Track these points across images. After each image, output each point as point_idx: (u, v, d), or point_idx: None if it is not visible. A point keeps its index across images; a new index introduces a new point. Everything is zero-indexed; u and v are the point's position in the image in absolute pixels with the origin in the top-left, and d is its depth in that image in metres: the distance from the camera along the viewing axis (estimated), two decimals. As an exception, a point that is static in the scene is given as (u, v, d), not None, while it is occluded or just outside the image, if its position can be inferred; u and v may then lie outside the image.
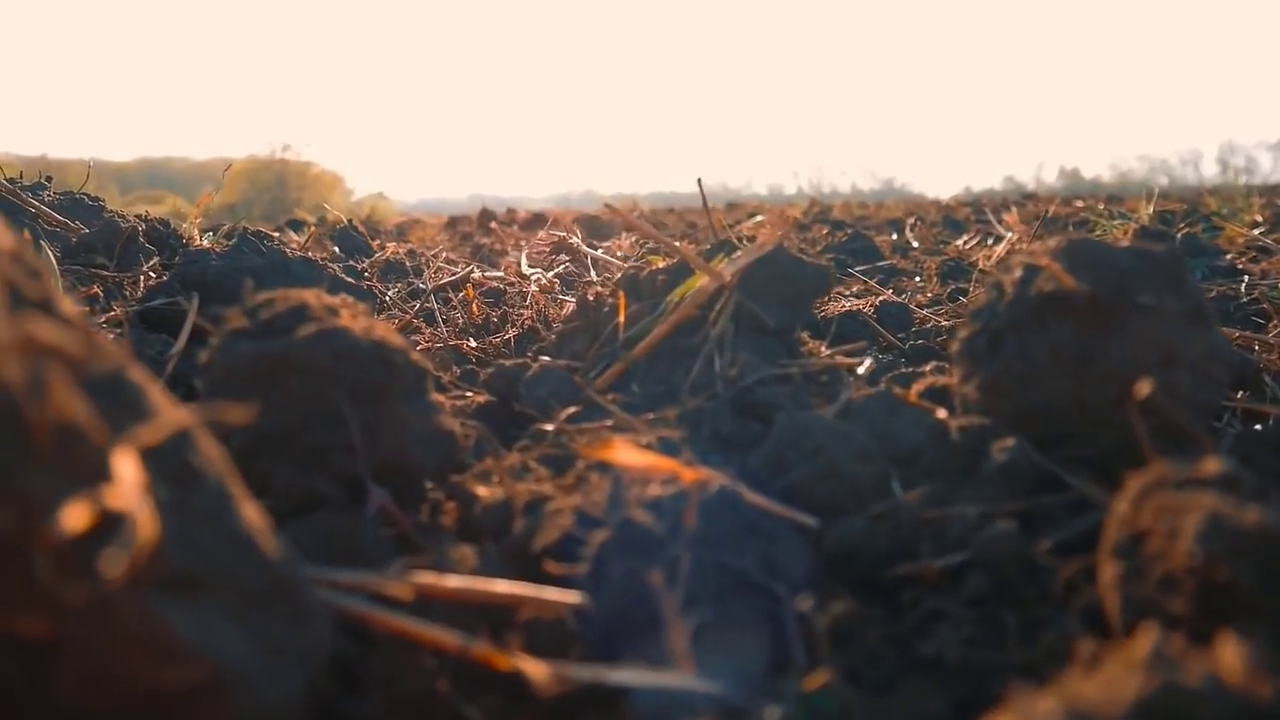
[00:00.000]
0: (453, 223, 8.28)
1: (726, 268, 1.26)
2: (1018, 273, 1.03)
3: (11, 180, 2.44)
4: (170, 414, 0.59)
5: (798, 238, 4.88)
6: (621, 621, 0.77)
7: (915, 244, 4.15)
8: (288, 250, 1.93)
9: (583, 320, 1.45)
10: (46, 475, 0.53)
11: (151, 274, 1.91)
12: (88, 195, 2.47)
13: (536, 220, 7.91)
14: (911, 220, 5.27)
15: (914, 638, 0.83)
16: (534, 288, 1.99)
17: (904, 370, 1.33)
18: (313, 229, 3.15)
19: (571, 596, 0.77)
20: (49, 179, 2.58)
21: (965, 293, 2.67)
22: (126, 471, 0.53)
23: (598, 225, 7.04)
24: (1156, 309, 0.96)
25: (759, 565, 0.85)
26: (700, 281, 1.29)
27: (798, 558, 0.88)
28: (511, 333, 1.89)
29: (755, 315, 1.27)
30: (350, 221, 3.04)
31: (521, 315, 2.05)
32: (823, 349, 1.36)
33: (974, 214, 7.97)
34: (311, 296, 0.99)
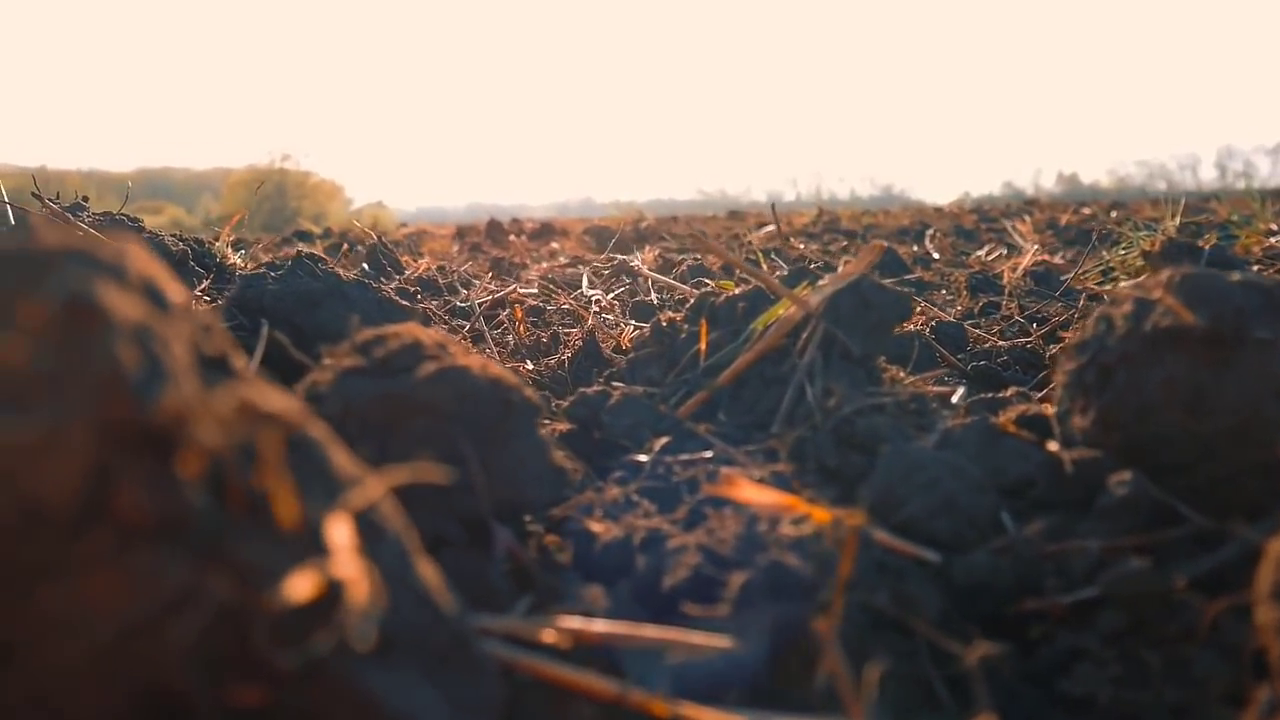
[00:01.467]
0: (461, 233, 8.28)
1: (813, 296, 1.26)
2: (1127, 306, 1.03)
3: (38, 195, 2.43)
4: (369, 476, 0.58)
5: (807, 248, 4.88)
6: (774, 665, 0.77)
7: (936, 255, 4.15)
8: (341, 273, 1.93)
9: (657, 346, 1.45)
10: (261, 542, 0.52)
11: (205, 298, 1.90)
12: (126, 215, 2.47)
13: (545, 230, 7.92)
14: (932, 231, 5.27)
15: (1052, 676, 0.83)
16: (594, 309, 1.98)
17: (984, 396, 1.33)
18: (345, 249, 3.14)
19: (720, 640, 0.77)
20: (85, 199, 2.57)
21: (998, 307, 2.67)
22: (341, 538, 0.52)
23: (608, 235, 7.04)
24: (1272, 342, 0.96)
25: (892, 603, 0.85)
26: (784, 309, 1.29)
27: (927, 594, 0.87)
28: (566, 354, 1.89)
29: (841, 343, 1.27)
30: (380, 239, 3.03)
31: (569, 335, 2.04)
32: (901, 375, 1.36)
33: (980, 220, 8.00)
34: (421, 333, 0.99)
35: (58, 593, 0.48)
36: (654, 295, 2.09)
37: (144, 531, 0.49)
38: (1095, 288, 3.14)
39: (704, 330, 1.33)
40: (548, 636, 0.73)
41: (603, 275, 3.58)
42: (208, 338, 0.62)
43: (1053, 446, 1.04)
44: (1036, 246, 3.49)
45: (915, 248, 4.36)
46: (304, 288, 1.83)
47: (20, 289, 0.52)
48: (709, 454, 1.12)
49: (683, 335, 1.41)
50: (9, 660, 0.49)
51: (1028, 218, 6.22)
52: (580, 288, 3.14)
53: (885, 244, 1.33)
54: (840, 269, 1.29)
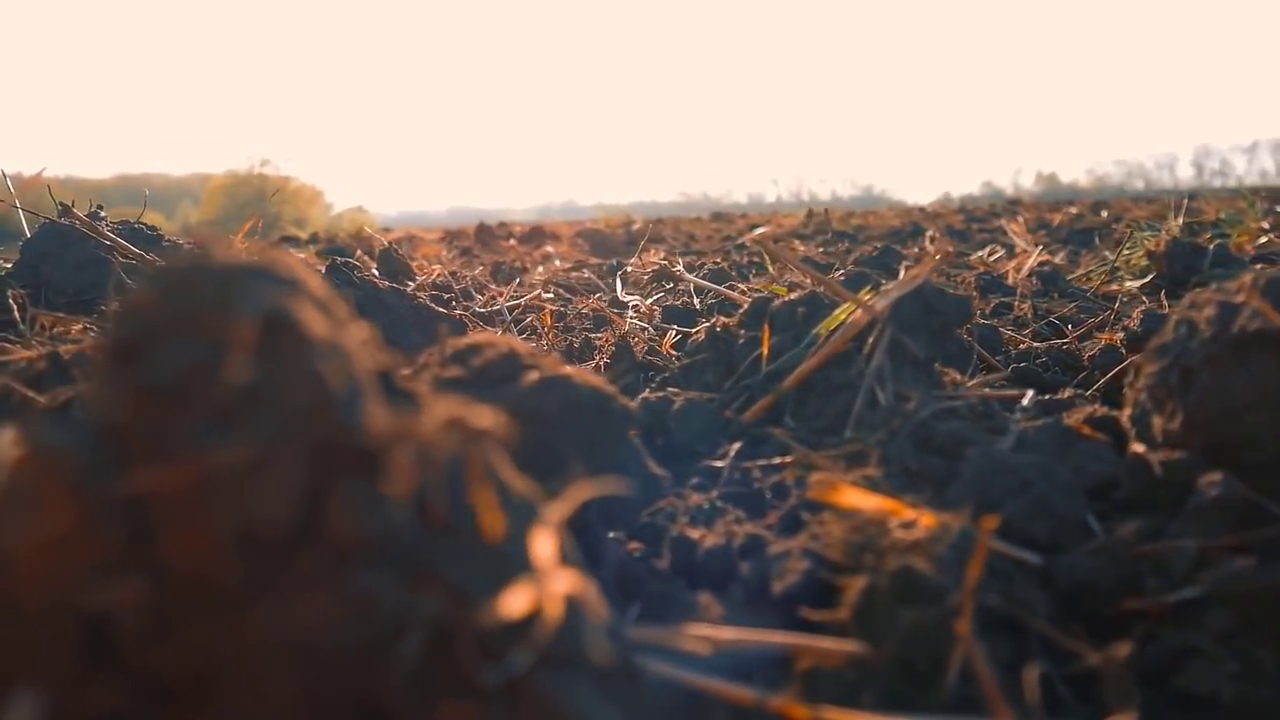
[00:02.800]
0: (449, 237, 8.25)
1: (878, 300, 1.26)
2: (1209, 310, 1.04)
3: (66, 206, 2.41)
4: (537, 489, 0.58)
5: (809, 249, 4.90)
6: (903, 669, 0.77)
7: (937, 256, 4.16)
8: (376, 280, 1.92)
9: (712, 351, 1.45)
10: (465, 559, 0.52)
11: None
12: (145, 224, 2.45)
13: (535, 233, 7.91)
14: (930, 233, 5.30)
15: (1163, 675, 0.84)
16: (630, 314, 1.98)
17: (1045, 398, 1.34)
18: (360, 255, 3.13)
19: (850, 645, 0.77)
20: (100, 207, 2.55)
21: (1010, 308, 2.69)
22: (546, 552, 0.52)
23: (600, 238, 7.05)
24: (1359, 342, 0.98)
25: (1004, 604, 0.86)
26: (847, 314, 1.30)
27: (1034, 596, 0.88)
28: (601, 359, 1.89)
29: (905, 347, 1.28)
30: (391, 245, 3.02)
31: (600, 339, 2.04)
32: (959, 378, 1.37)
33: (968, 221, 8.05)
34: (514, 342, 0.99)
35: (270, 615, 0.48)
36: (695, 300, 2.09)
37: (355, 552, 0.49)
38: (1105, 288, 3.17)
39: (766, 335, 1.34)
40: (689, 645, 0.73)
41: (610, 277, 3.57)
42: (374, 351, 0.62)
43: (1138, 448, 1.05)
44: (1040, 247, 3.51)
45: (915, 249, 4.38)
46: (343, 297, 1.82)
47: (210, 306, 0.52)
48: (789, 458, 1.13)
49: (740, 340, 1.41)
50: (218, 684, 0.48)
51: (1020, 218, 6.26)
52: (591, 290, 3.14)
53: (950, 249, 1.34)
54: (902, 274, 1.30)
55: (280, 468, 0.47)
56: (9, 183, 2.63)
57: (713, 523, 1.03)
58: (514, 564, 0.54)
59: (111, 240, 2.07)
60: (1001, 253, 4.13)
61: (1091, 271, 3.50)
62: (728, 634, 0.77)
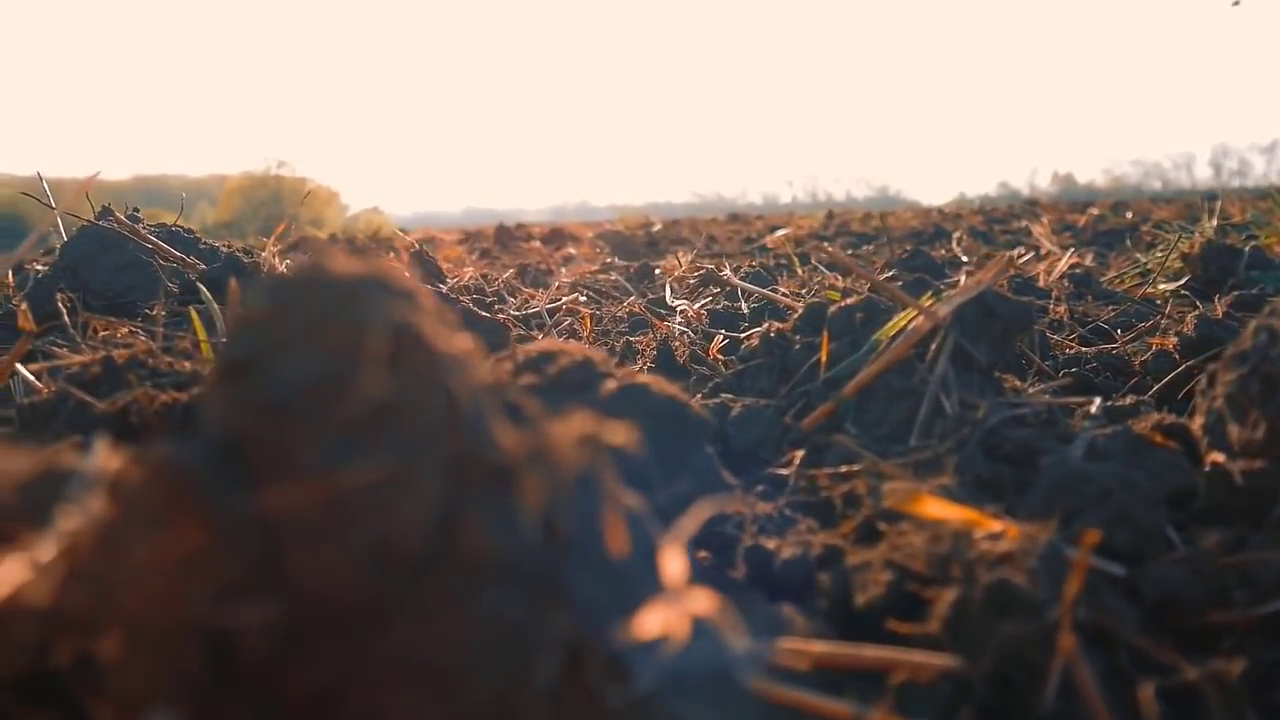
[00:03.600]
0: (468, 238, 8.26)
1: (941, 307, 1.25)
2: (1290, 315, 1.02)
3: (106, 211, 2.41)
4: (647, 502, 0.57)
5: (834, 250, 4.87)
6: (1000, 683, 0.76)
7: (964, 258, 4.15)
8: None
9: (767, 357, 1.44)
10: (592, 576, 0.51)
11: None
12: (182, 227, 2.45)
13: (555, 235, 7.91)
14: (958, 234, 5.28)
15: (1260, 689, 0.83)
16: (677, 319, 1.97)
17: (1111, 404, 1.32)
18: (390, 256, 3.12)
19: (945, 659, 0.76)
20: (136, 210, 2.55)
21: (1045, 311, 2.67)
22: (676, 571, 0.51)
23: (621, 239, 7.03)
24: None
25: (1094, 617, 0.84)
26: (908, 320, 1.28)
27: (1122, 608, 0.87)
28: (644, 365, 1.88)
29: (967, 354, 1.26)
30: (420, 247, 3.01)
31: (640, 343, 2.03)
32: (1018, 384, 1.35)
33: (988, 222, 8.01)
34: (588, 350, 0.98)
35: (402, 635, 0.47)
36: (739, 304, 2.08)
37: (489, 570, 0.48)
38: (1139, 290, 3.15)
39: (826, 341, 1.32)
40: (787, 659, 0.71)
41: (639, 279, 3.56)
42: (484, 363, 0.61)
43: (1217, 457, 1.03)
44: (1071, 249, 3.49)
45: (943, 250, 4.36)
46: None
47: (332, 319, 0.51)
48: (856, 466, 1.11)
49: (796, 346, 1.40)
50: (344, 705, 0.47)
51: (1044, 219, 6.23)
52: (621, 293, 3.13)
53: (1011, 255, 1.32)
54: (964, 279, 1.28)
55: (415, 485, 0.46)
56: (45, 185, 2.63)
57: (784, 532, 1.02)
58: (636, 581, 0.53)
59: (154, 244, 2.06)
60: (1030, 254, 4.11)
61: (1124, 273, 3.47)
62: (820, 647, 0.76)
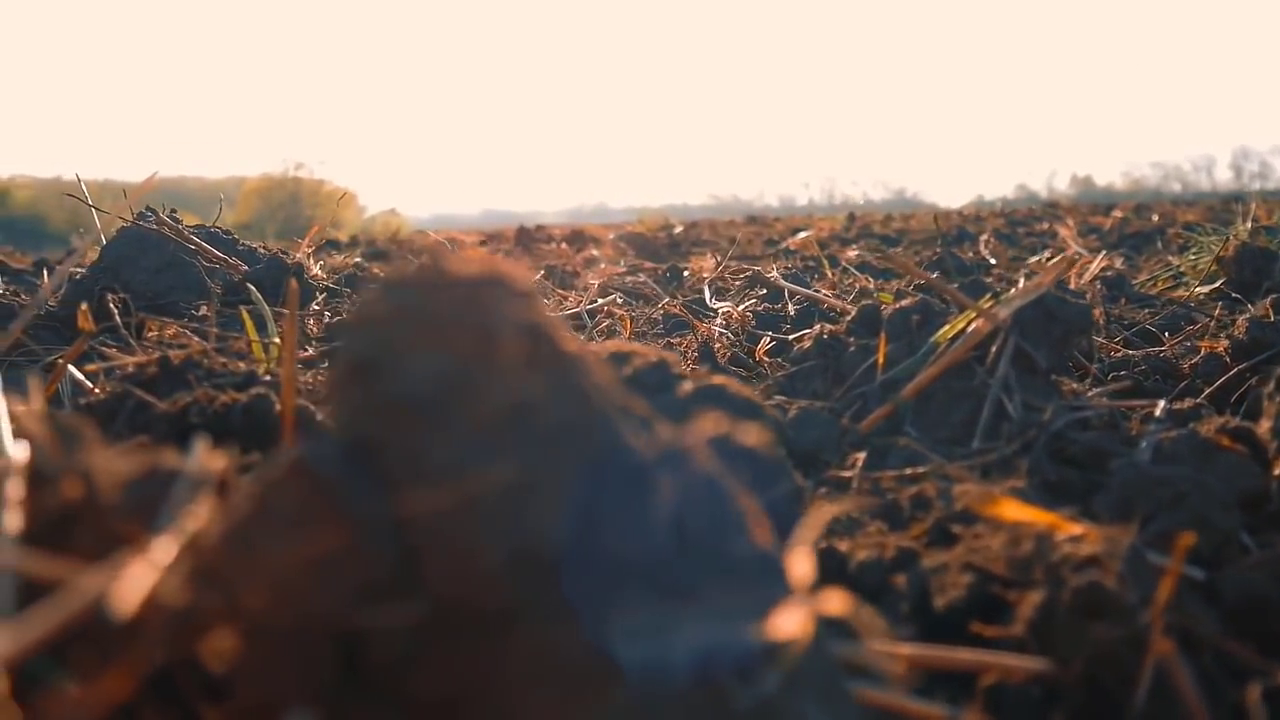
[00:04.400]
0: (489, 240, 8.27)
1: (1001, 309, 1.24)
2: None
3: (146, 214, 2.42)
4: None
5: (857, 252, 4.86)
6: (1090, 687, 0.75)
7: (993, 260, 4.14)
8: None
9: (820, 359, 1.44)
10: (720, 577, 0.51)
11: (326, 313, 1.89)
12: (220, 228, 2.46)
13: (576, 237, 7.91)
14: (986, 236, 5.26)
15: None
16: (718, 321, 1.97)
17: (1175, 407, 1.31)
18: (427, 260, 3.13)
19: (1036, 662, 0.76)
20: (174, 211, 2.56)
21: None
22: (804, 572, 0.51)
23: (642, 241, 7.03)
24: None
25: (1178, 621, 0.84)
26: (966, 322, 1.28)
27: (1204, 612, 0.86)
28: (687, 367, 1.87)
29: (1027, 357, 1.26)
30: (455, 248, 3.02)
31: (680, 345, 2.03)
32: (1076, 387, 1.35)
33: (1009, 225, 7.98)
34: (660, 351, 0.97)
35: (540, 636, 0.47)
36: (780, 305, 2.08)
37: (622, 572, 0.48)
38: (1171, 293, 3.13)
39: (883, 343, 1.32)
40: (882, 662, 0.71)
41: (667, 281, 3.56)
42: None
43: (1291, 460, 1.02)
44: (1104, 252, 3.47)
45: (971, 253, 4.35)
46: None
47: (459, 319, 0.51)
48: (921, 469, 1.11)
49: (851, 348, 1.40)
50: (475, 708, 0.47)
51: (1070, 222, 6.20)
52: (651, 295, 3.13)
53: (1073, 257, 1.31)
54: (1023, 282, 1.28)
55: (551, 487, 0.46)
56: (83, 186, 2.64)
57: (853, 534, 1.02)
58: (761, 582, 0.53)
59: (197, 245, 2.07)
60: (1059, 257, 4.09)
61: (1156, 276, 3.45)
62: (911, 650, 0.75)
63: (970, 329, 1.26)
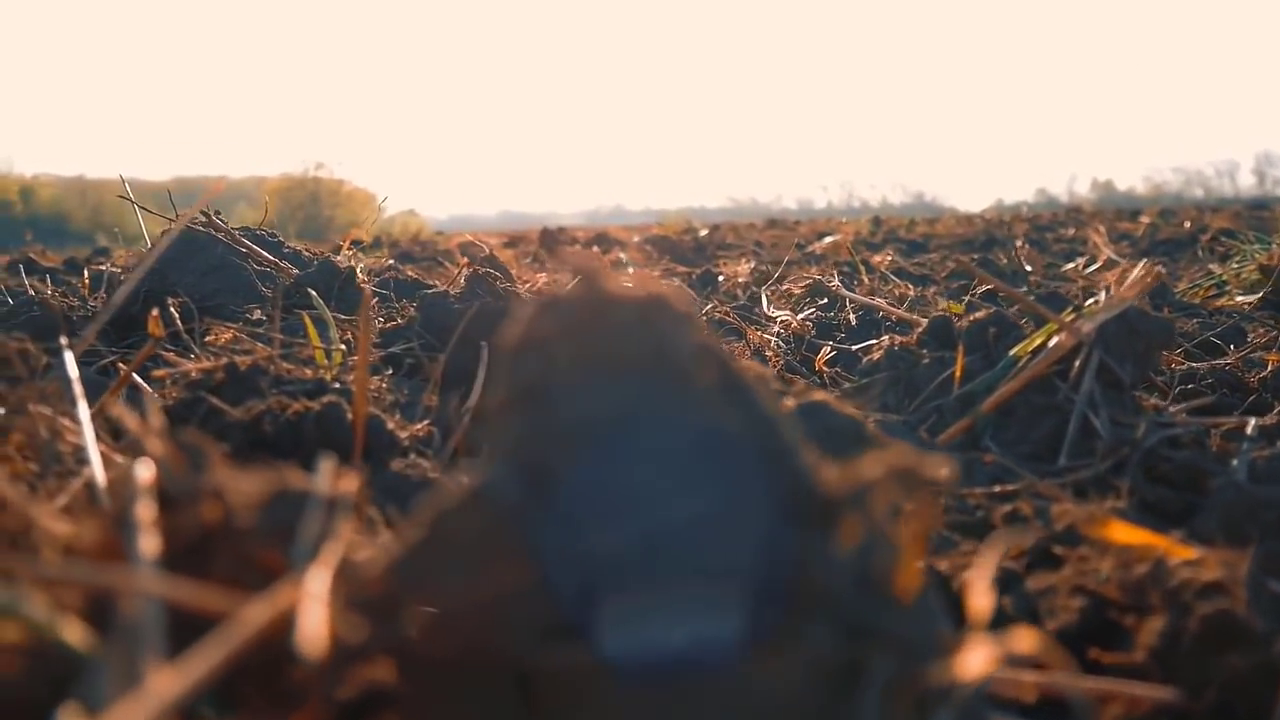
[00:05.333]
0: (514, 242, 8.27)
1: (1085, 323, 1.22)
2: None
3: (207, 214, 2.41)
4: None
5: (885, 257, 4.83)
6: (1219, 716, 0.73)
7: (1028, 267, 4.10)
8: (520, 293, 1.90)
9: (892, 370, 1.42)
10: (893, 612, 0.49)
11: (380, 317, 1.88)
12: (265, 230, 2.45)
13: (600, 239, 7.90)
14: (1020, 242, 5.23)
15: None
16: (773, 329, 1.95)
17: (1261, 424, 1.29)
18: (464, 261, 3.12)
19: (1163, 691, 0.74)
20: (218, 213, 2.55)
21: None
22: (984, 604, 0.49)
23: (668, 244, 7.02)
24: None
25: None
26: (1047, 336, 1.26)
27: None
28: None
29: (1109, 371, 1.23)
30: (490, 251, 3.01)
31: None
32: (1158, 403, 1.33)
33: (1036, 230, 7.94)
34: (757, 365, 0.96)
35: (725, 674, 0.45)
36: (852, 315, 2.06)
37: (808, 608, 0.46)
38: (1212, 302, 3.10)
39: (960, 355, 1.30)
40: (1011, 689, 0.69)
41: (701, 286, 3.54)
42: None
43: (1400, 482, 1.00)
44: (1144, 259, 3.44)
45: (1005, 259, 4.31)
46: (488, 309, 1.80)
47: (627, 342, 0.49)
48: (1009, 486, 1.09)
49: (924, 360, 1.38)
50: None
51: (1102, 228, 6.16)
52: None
53: (1161, 269, 1.29)
54: (1105, 295, 1.26)
55: (742, 521, 0.45)
56: (128, 187, 2.64)
57: (946, 553, 1.00)
58: (929, 616, 0.51)
59: (248, 248, 2.06)
60: (1098, 263, 4.06)
61: (1197, 284, 3.42)
62: (1033, 677, 0.73)
63: (1052, 343, 1.24)
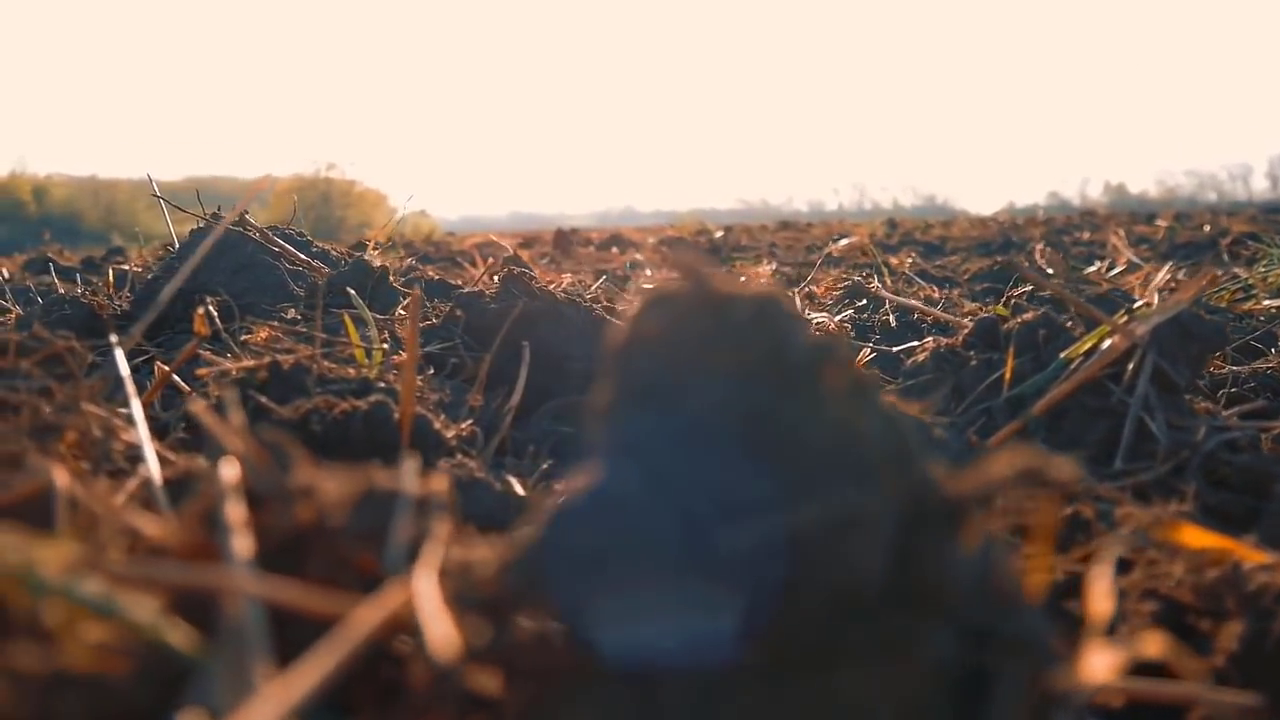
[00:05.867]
0: (528, 243, 8.27)
1: (1139, 325, 1.21)
2: None
3: (217, 216, 2.41)
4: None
5: (903, 259, 4.82)
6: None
7: (1050, 270, 4.08)
8: (555, 292, 1.90)
9: (938, 372, 1.41)
10: (1015, 613, 0.48)
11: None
12: (294, 230, 2.45)
13: (614, 240, 7.90)
14: (1041, 245, 5.21)
15: None
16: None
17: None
18: (488, 262, 3.12)
19: (1247, 697, 0.73)
20: (246, 211, 2.55)
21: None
22: (1105, 608, 0.49)
23: (684, 246, 7.01)
24: None
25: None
26: (1098, 338, 1.25)
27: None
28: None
29: (1165, 375, 1.22)
30: (514, 252, 3.00)
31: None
32: (1211, 406, 1.32)
33: (1051, 233, 7.92)
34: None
35: (852, 681, 0.44)
36: (892, 317, 2.05)
37: (938, 614, 0.45)
38: (1239, 306, 3.08)
39: (1011, 357, 1.29)
40: (1099, 696, 0.68)
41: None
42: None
43: None
44: (1170, 263, 3.43)
45: (1028, 262, 4.29)
46: (525, 308, 1.80)
47: (744, 342, 0.48)
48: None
49: (972, 362, 1.37)
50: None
51: (1121, 231, 6.14)
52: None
53: (1216, 271, 1.28)
54: (1157, 300, 1.25)
55: (871, 525, 0.44)
56: (155, 187, 2.64)
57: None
58: (1041, 620, 0.50)
59: (281, 247, 2.06)
60: (1120, 267, 4.04)
61: (1223, 288, 3.40)
62: (1118, 682, 0.72)
63: (1105, 345, 1.23)
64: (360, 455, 1.10)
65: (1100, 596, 0.48)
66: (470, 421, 1.41)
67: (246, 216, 2.49)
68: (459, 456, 1.26)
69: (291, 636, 0.52)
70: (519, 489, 1.27)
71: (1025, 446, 0.49)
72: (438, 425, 1.24)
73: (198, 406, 0.69)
